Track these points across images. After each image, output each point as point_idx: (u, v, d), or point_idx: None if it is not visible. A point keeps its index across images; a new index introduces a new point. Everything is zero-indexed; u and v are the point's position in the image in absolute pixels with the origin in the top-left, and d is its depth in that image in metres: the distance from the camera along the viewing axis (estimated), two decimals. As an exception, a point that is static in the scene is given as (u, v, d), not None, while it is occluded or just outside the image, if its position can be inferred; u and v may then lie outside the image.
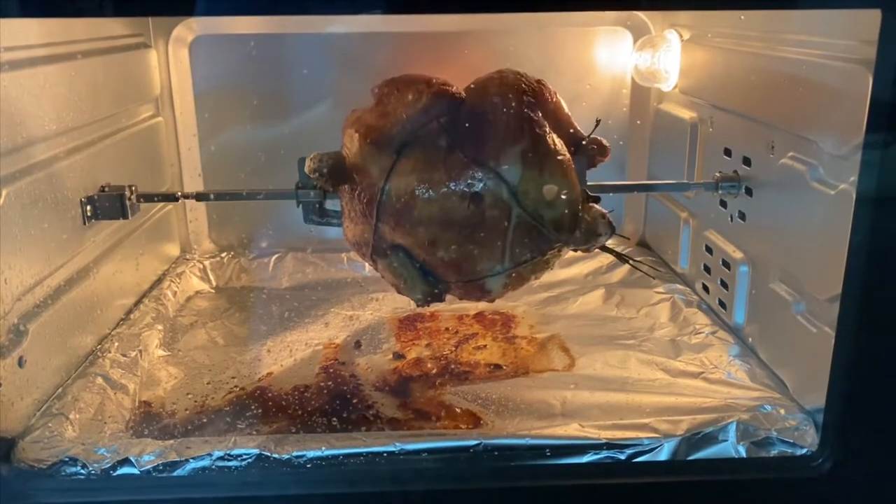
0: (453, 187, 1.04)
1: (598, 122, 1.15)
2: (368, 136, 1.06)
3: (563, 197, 1.05)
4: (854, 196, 0.89)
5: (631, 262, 1.26)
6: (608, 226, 1.09)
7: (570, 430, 0.99)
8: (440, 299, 1.13)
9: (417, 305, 1.14)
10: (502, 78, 1.10)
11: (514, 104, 1.06)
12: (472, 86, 1.10)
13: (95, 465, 0.94)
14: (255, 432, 1.06)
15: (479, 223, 1.05)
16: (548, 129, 1.08)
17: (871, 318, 0.89)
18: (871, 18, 0.82)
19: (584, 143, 1.13)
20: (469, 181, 1.04)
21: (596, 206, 1.11)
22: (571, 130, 1.13)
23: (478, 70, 1.61)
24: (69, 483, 0.94)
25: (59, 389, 1.10)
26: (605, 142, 1.16)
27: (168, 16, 1.51)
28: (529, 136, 1.05)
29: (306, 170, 1.12)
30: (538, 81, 1.11)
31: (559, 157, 1.06)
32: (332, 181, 1.11)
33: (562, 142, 1.09)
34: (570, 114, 1.14)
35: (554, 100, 1.11)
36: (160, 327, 1.36)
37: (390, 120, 1.06)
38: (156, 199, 1.37)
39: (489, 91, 1.08)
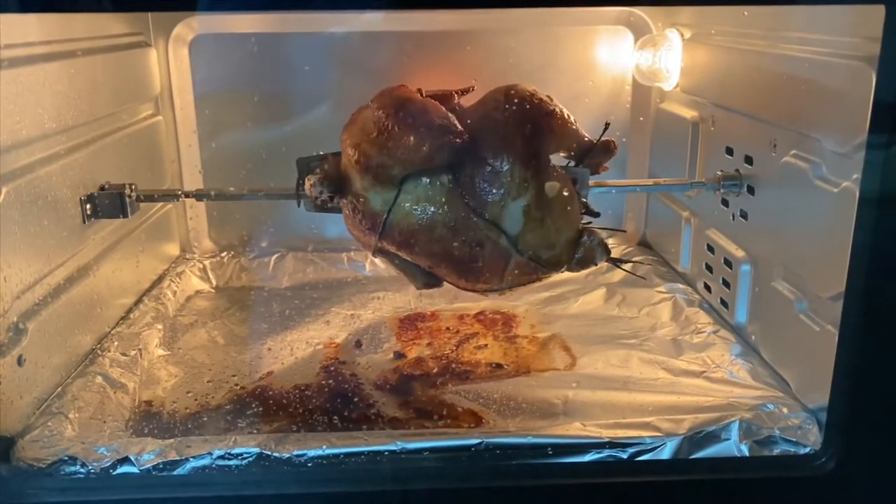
0: (454, 228, 1.05)
1: (607, 125, 1.15)
2: (370, 170, 1.05)
3: (563, 240, 1.08)
4: (857, 194, 0.88)
5: (621, 266, 1.26)
6: (604, 253, 1.12)
7: (572, 430, 0.99)
8: (439, 285, 1.16)
9: (417, 288, 1.17)
10: (506, 117, 1.05)
11: (518, 148, 1.04)
12: (478, 113, 1.07)
13: (95, 464, 0.94)
14: (255, 431, 1.05)
15: (478, 258, 1.07)
16: (552, 170, 1.07)
17: (875, 315, 0.88)
18: (875, 15, 0.82)
19: (591, 150, 1.13)
20: (470, 229, 1.05)
21: (594, 232, 1.12)
22: (577, 144, 1.12)
23: (479, 69, 1.63)
24: (69, 482, 0.93)
25: (59, 388, 1.10)
26: (612, 144, 1.15)
27: (167, 11, 1.50)
28: (533, 189, 1.05)
29: (306, 190, 1.12)
30: (542, 102, 1.07)
31: (561, 204, 1.07)
32: (333, 197, 1.11)
33: (564, 178, 1.08)
34: (575, 125, 1.11)
35: (559, 118, 1.09)
36: (160, 326, 1.36)
37: (392, 157, 1.04)
38: (155, 197, 1.37)
39: (493, 130, 1.05)
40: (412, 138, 1.02)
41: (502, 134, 1.04)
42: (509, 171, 1.04)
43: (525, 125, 1.05)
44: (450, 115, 1.05)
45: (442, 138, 1.02)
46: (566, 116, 1.10)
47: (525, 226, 1.05)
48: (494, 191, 1.04)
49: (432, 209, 1.05)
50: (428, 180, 1.04)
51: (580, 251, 1.10)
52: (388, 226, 1.07)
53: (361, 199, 1.07)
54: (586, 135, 1.13)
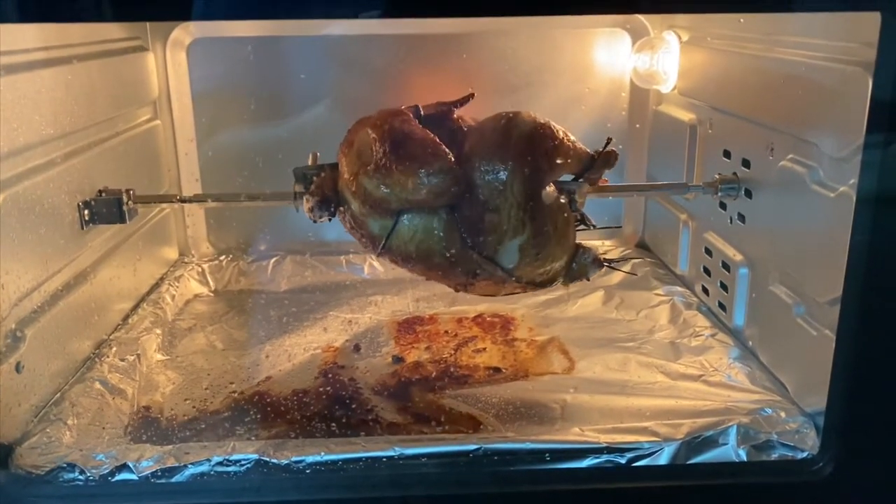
0: (451, 257, 1.07)
1: (609, 140, 1.15)
2: (367, 202, 1.06)
3: (558, 264, 1.10)
4: (854, 198, 0.89)
5: (617, 268, 1.26)
6: (597, 268, 1.14)
7: (570, 435, 0.99)
8: None
9: None
10: (506, 158, 1.04)
11: (517, 193, 1.04)
12: (478, 141, 1.06)
13: (93, 470, 0.93)
14: (253, 437, 1.05)
15: (473, 282, 1.10)
16: (550, 200, 1.07)
17: (872, 320, 0.88)
18: (871, 21, 0.82)
19: (592, 166, 1.13)
20: (467, 260, 1.07)
21: (588, 249, 1.14)
22: (574, 161, 1.11)
23: (476, 72, 1.63)
24: (67, 489, 0.93)
25: (57, 395, 1.10)
26: (613, 156, 1.15)
27: (167, 20, 1.50)
28: (530, 228, 1.05)
29: (304, 210, 1.12)
30: (543, 139, 1.06)
31: (559, 233, 1.08)
32: (331, 215, 1.13)
33: (562, 205, 1.08)
34: (576, 148, 1.10)
35: (561, 153, 1.08)
36: (159, 331, 1.36)
37: (390, 195, 1.04)
38: (153, 202, 1.37)
39: (492, 172, 1.04)
40: (410, 182, 1.02)
41: (501, 178, 1.04)
42: (507, 214, 1.04)
43: (524, 168, 1.04)
44: (449, 156, 1.03)
45: (441, 185, 1.03)
46: (567, 147, 1.08)
47: (521, 260, 1.07)
48: (491, 232, 1.05)
49: (430, 240, 1.06)
50: (426, 214, 1.05)
51: (574, 267, 1.12)
52: (387, 248, 1.09)
53: (359, 221, 1.09)
54: (587, 150, 1.12)
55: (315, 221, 1.12)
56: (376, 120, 1.07)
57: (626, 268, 1.26)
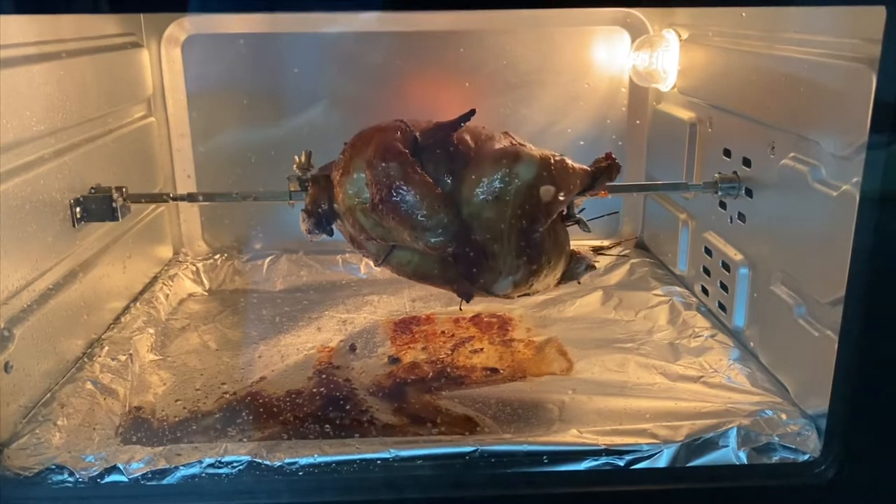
0: (447, 280, 1.09)
1: (609, 157, 1.14)
2: (362, 232, 1.08)
3: (553, 278, 1.12)
4: (857, 197, 0.87)
5: (607, 253, 1.24)
6: (589, 271, 1.16)
7: (568, 437, 0.98)
8: None
9: None
10: (502, 210, 1.03)
11: (514, 244, 1.04)
12: (477, 179, 1.04)
13: (83, 472, 0.92)
14: (246, 439, 1.04)
15: (470, 298, 1.12)
16: (545, 245, 1.07)
17: (876, 321, 0.87)
18: (876, 16, 0.80)
19: (593, 185, 1.13)
20: (464, 286, 1.09)
21: (581, 257, 1.14)
22: (575, 190, 1.10)
23: (474, 70, 1.61)
24: (56, 491, 0.91)
25: (47, 395, 1.08)
26: (615, 169, 1.14)
27: (163, 12, 1.48)
28: (524, 269, 1.06)
29: (301, 229, 1.13)
30: (542, 180, 1.04)
31: (552, 266, 1.09)
32: (329, 233, 1.14)
33: (557, 235, 1.09)
34: (576, 178, 1.09)
35: (564, 193, 1.06)
36: (151, 331, 1.34)
37: (386, 236, 1.07)
38: (143, 200, 1.35)
39: (490, 219, 1.03)
40: (407, 235, 1.04)
41: (500, 227, 1.03)
42: (503, 259, 1.05)
43: (522, 219, 1.03)
44: (447, 214, 1.02)
45: (439, 243, 1.03)
46: (569, 187, 1.07)
47: (516, 289, 1.09)
48: (487, 271, 1.06)
49: (425, 267, 1.09)
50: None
51: (567, 272, 1.13)
52: (384, 263, 1.12)
53: (356, 241, 1.11)
54: (587, 169, 1.12)
55: (312, 241, 1.14)
56: (372, 155, 1.03)
57: (617, 250, 1.23)
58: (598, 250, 1.16)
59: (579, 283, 1.17)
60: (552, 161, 1.05)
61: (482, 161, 1.05)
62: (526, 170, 1.03)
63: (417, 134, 1.05)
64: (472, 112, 1.07)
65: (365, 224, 1.07)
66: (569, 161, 1.09)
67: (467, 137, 1.08)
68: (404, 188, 1.01)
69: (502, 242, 1.04)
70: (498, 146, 1.06)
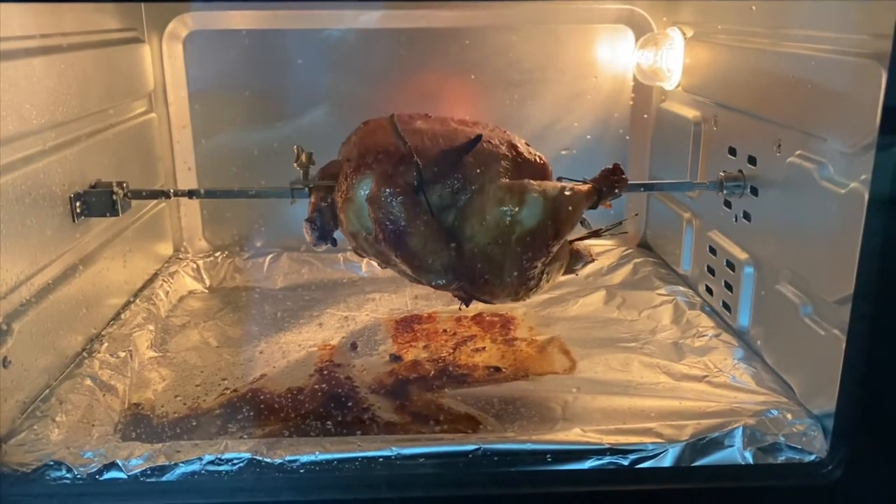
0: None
1: (617, 169, 1.15)
2: (366, 253, 1.11)
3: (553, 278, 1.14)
4: (866, 195, 0.86)
5: (605, 233, 1.23)
6: (588, 264, 1.18)
7: (572, 435, 0.97)
8: None
9: None
10: (505, 252, 1.04)
11: (514, 275, 1.06)
12: (482, 215, 1.04)
13: (81, 469, 0.91)
14: (246, 436, 1.03)
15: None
16: (547, 269, 1.10)
17: (884, 320, 0.86)
18: (886, 11, 0.80)
19: (598, 202, 1.14)
20: (463, 298, 1.11)
21: (580, 253, 1.16)
22: (580, 213, 1.11)
23: (478, 68, 1.60)
24: (54, 488, 0.91)
25: (46, 391, 1.07)
26: (622, 186, 1.14)
27: (164, 1, 1.48)
28: (524, 290, 1.09)
29: (307, 240, 1.14)
30: (546, 225, 1.04)
31: (551, 280, 1.12)
32: (334, 244, 1.16)
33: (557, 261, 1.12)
34: (578, 193, 1.09)
35: (563, 235, 1.09)
36: (151, 327, 1.33)
37: (388, 262, 1.09)
38: (144, 195, 1.34)
39: (493, 258, 1.05)
40: (411, 272, 1.06)
41: (503, 263, 1.05)
42: (503, 287, 1.07)
43: (523, 261, 1.05)
44: (451, 259, 1.04)
45: (443, 285, 1.06)
46: (574, 222, 1.08)
47: (515, 301, 1.12)
48: (489, 293, 1.09)
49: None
50: None
51: (567, 267, 1.15)
52: (388, 267, 1.13)
53: (360, 251, 1.13)
54: (593, 188, 1.12)
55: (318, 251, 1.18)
56: (375, 191, 1.02)
57: (615, 229, 1.23)
58: (596, 233, 1.15)
59: (576, 274, 1.19)
60: (557, 198, 1.05)
61: (486, 200, 1.04)
62: (530, 214, 1.04)
63: (421, 164, 1.04)
64: (479, 138, 1.06)
65: (368, 249, 1.09)
66: (575, 189, 1.08)
67: (472, 161, 1.06)
68: (408, 231, 1.02)
69: (503, 274, 1.05)
70: (503, 181, 1.05)
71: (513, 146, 1.10)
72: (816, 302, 1.04)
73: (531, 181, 1.06)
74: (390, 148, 1.05)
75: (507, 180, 1.05)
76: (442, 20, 1.60)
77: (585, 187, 1.11)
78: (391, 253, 1.04)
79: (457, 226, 1.05)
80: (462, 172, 1.05)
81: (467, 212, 1.04)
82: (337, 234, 1.15)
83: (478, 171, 1.05)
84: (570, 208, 1.06)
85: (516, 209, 1.03)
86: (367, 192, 1.04)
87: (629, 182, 1.15)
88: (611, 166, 1.15)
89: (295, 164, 1.15)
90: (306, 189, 1.15)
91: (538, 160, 1.12)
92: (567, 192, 1.06)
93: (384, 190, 1.02)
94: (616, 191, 1.13)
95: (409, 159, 1.03)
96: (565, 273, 1.16)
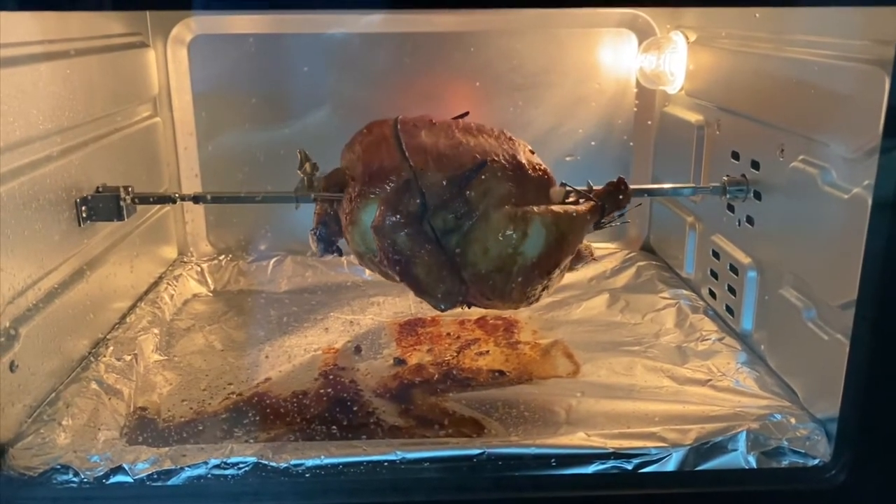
0: None
1: (621, 183, 1.17)
2: (374, 268, 1.13)
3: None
4: (869, 200, 0.87)
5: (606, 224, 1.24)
6: (587, 261, 1.21)
7: (576, 440, 0.97)
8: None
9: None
10: (506, 286, 1.08)
11: (516, 297, 1.10)
12: (483, 261, 1.07)
13: (88, 472, 0.92)
14: (252, 440, 1.03)
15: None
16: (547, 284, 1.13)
17: (887, 324, 0.86)
18: (889, 18, 0.80)
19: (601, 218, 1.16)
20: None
21: (581, 258, 1.18)
22: (582, 236, 1.14)
23: (481, 72, 1.60)
24: (61, 491, 0.91)
25: (52, 395, 1.08)
26: (626, 200, 1.16)
27: (167, 10, 1.48)
28: (525, 303, 1.12)
29: (310, 244, 1.19)
30: (547, 260, 1.08)
31: (549, 289, 1.15)
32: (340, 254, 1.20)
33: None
34: (579, 215, 1.11)
35: (564, 261, 1.12)
36: (156, 331, 1.34)
37: (392, 280, 1.12)
38: (151, 200, 1.35)
39: (496, 285, 1.08)
40: (413, 292, 1.08)
41: (505, 288, 1.08)
42: (506, 302, 1.11)
43: (527, 284, 1.09)
44: (455, 278, 1.06)
45: (448, 307, 1.09)
46: (576, 244, 1.11)
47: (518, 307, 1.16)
48: (491, 305, 1.14)
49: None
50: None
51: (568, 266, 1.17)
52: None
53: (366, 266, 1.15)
54: (596, 206, 1.14)
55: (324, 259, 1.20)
56: (379, 220, 1.04)
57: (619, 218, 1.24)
58: (597, 224, 1.16)
59: (576, 269, 1.21)
60: (560, 227, 1.07)
61: (489, 230, 1.06)
62: (533, 246, 1.06)
63: (425, 192, 1.05)
64: (484, 164, 1.06)
65: (372, 268, 1.12)
66: (578, 213, 1.10)
67: (476, 185, 1.06)
68: (412, 261, 1.04)
69: (505, 296, 1.10)
70: (506, 209, 1.06)
71: (516, 163, 1.09)
72: (820, 306, 1.04)
73: (534, 209, 1.07)
74: (393, 174, 1.05)
75: (510, 208, 1.06)
76: (446, 24, 1.60)
77: (587, 207, 1.12)
78: (395, 277, 1.07)
79: (460, 250, 1.07)
80: (466, 198, 1.06)
81: (470, 237, 1.06)
82: (342, 242, 1.16)
83: (482, 194, 1.06)
84: (572, 236, 1.09)
85: (519, 242, 1.06)
86: (371, 219, 1.05)
87: (634, 187, 1.15)
88: (615, 180, 1.16)
89: (299, 172, 1.15)
90: (310, 187, 1.16)
91: (541, 173, 1.12)
92: (569, 219, 1.08)
93: (388, 220, 1.03)
94: (619, 207, 1.14)
95: (414, 186, 1.04)
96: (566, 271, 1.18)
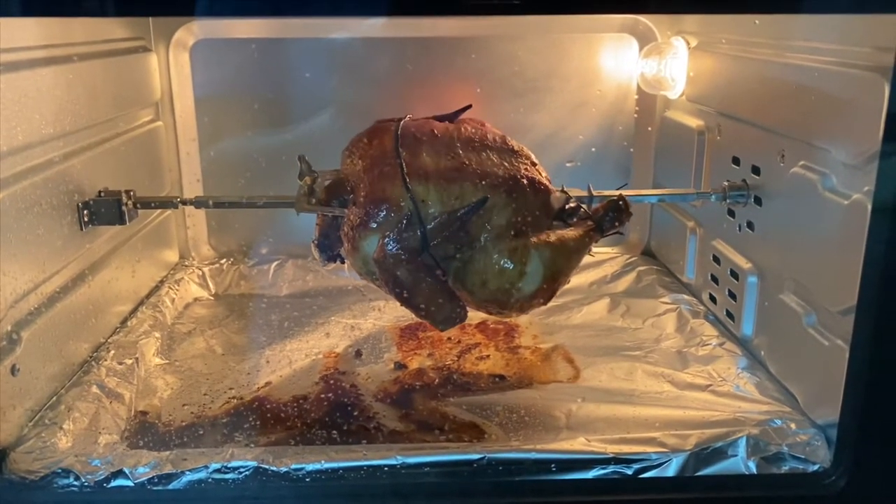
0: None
1: (621, 201, 1.18)
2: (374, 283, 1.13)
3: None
4: (869, 206, 0.87)
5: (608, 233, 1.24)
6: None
7: (576, 445, 0.97)
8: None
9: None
10: (504, 307, 1.10)
11: (515, 311, 1.13)
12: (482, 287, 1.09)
13: (89, 476, 0.92)
14: (252, 444, 1.03)
15: None
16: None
17: (887, 330, 0.87)
18: (888, 25, 0.80)
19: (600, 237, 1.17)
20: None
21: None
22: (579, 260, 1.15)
23: (482, 77, 1.61)
24: (62, 495, 0.91)
25: (53, 398, 1.08)
26: (626, 218, 1.16)
27: (170, 16, 1.49)
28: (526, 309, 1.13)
29: (313, 254, 1.20)
30: (546, 291, 1.10)
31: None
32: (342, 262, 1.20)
33: None
34: (578, 239, 1.12)
35: (564, 273, 1.13)
36: (157, 335, 1.34)
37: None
38: (153, 205, 1.35)
39: (493, 306, 1.11)
40: (415, 314, 1.10)
41: (503, 311, 1.12)
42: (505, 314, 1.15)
43: (526, 308, 1.12)
44: (455, 303, 1.08)
45: (446, 328, 1.11)
46: (573, 269, 1.12)
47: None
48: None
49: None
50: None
51: None
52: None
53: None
54: (591, 228, 1.14)
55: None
56: (380, 255, 1.04)
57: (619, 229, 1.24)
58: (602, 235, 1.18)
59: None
60: (558, 260, 1.08)
61: (489, 264, 1.07)
62: (531, 282, 1.07)
63: (426, 225, 1.05)
64: (485, 200, 1.06)
65: (368, 279, 1.13)
66: (577, 240, 1.10)
67: (476, 217, 1.07)
68: (413, 292, 1.06)
69: (503, 315, 1.17)
70: (506, 243, 1.07)
71: (518, 187, 1.08)
72: (820, 312, 1.05)
73: (533, 243, 1.07)
74: (395, 206, 1.05)
75: (510, 241, 1.07)
76: (447, 29, 1.60)
77: (585, 231, 1.12)
78: (397, 301, 1.09)
79: (460, 276, 1.08)
80: (467, 229, 1.07)
81: (470, 269, 1.08)
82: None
83: (482, 226, 1.07)
84: (570, 267, 1.10)
85: (517, 279, 1.07)
86: (372, 249, 1.06)
87: (634, 192, 1.16)
88: (615, 197, 1.16)
89: (299, 181, 1.15)
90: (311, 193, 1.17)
91: (542, 189, 1.11)
92: (567, 253, 1.09)
93: (389, 256, 1.04)
94: (618, 224, 1.15)
95: (415, 220, 1.05)
96: None
